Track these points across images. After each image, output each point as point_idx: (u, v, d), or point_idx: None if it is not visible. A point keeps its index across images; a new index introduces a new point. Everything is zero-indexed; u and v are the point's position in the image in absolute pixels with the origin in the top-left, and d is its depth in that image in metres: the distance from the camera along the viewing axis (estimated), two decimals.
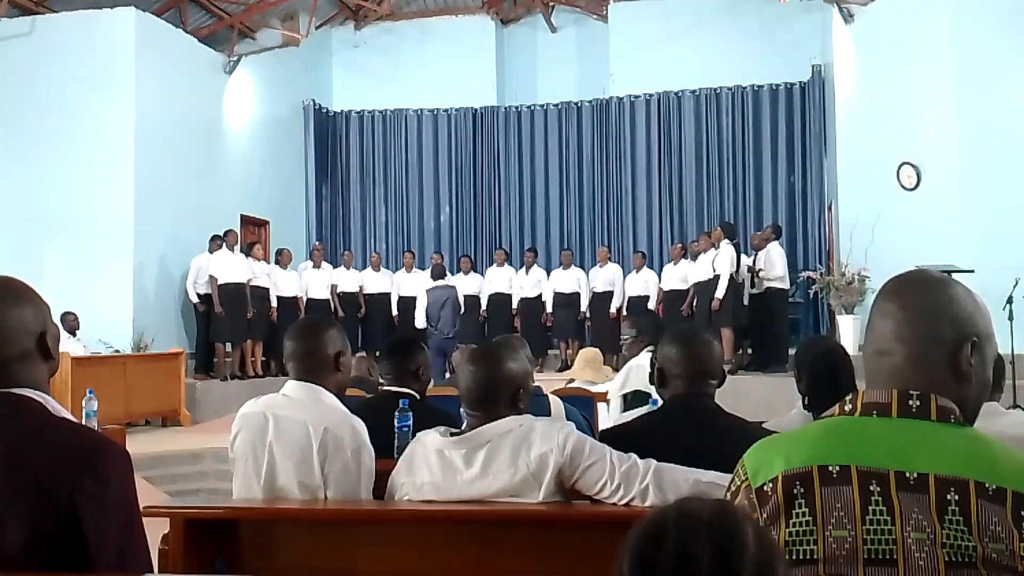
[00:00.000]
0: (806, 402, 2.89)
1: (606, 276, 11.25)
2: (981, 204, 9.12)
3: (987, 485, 1.21)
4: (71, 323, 9.13)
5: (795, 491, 1.26)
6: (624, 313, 11.07)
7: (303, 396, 2.49)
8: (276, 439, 2.43)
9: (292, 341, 2.57)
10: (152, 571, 1.71)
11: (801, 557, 1.24)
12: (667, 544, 0.90)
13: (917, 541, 1.20)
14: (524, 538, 2.14)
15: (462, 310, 10.99)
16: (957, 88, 9.40)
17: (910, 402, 1.29)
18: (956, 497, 1.20)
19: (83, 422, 3.29)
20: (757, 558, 0.90)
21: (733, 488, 1.34)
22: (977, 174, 9.19)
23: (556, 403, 3.71)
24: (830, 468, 1.26)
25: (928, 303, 1.34)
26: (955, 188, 9.36)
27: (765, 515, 1.27)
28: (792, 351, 6.43)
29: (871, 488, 1.23)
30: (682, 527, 0.92)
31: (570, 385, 5.46)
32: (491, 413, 2.24)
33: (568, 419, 3.12)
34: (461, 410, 2.38)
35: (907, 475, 1.23)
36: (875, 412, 1.30)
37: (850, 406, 1.34)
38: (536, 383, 3.37)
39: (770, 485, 1.28)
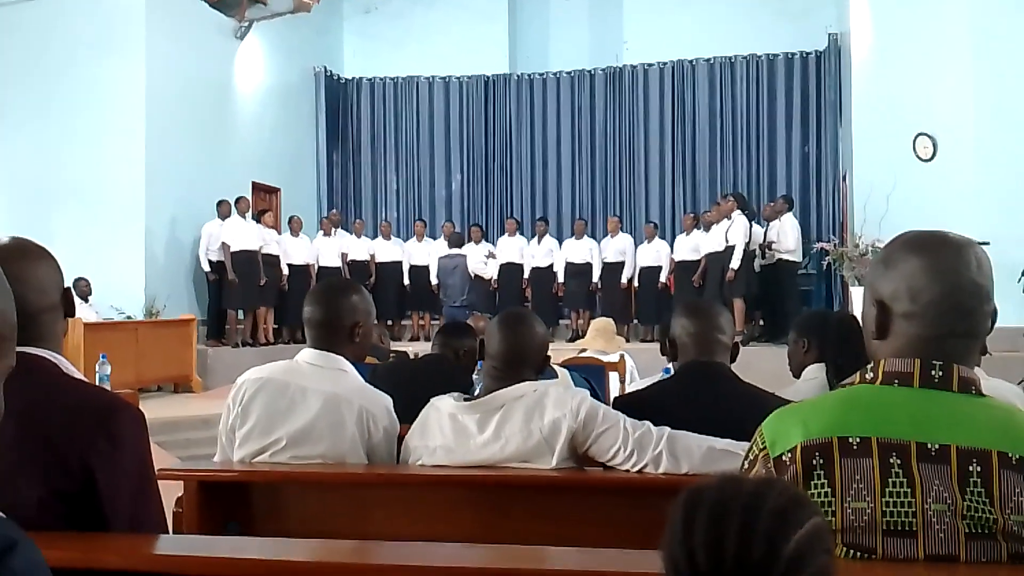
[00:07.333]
0: (829, 373, 2.80)
1: (618, 246, 11.19)
2: (997, 175, 9.02)
3: (1010, 455, 1.19)
4: (83, 289, 9.16)
5: (814, 462, 1.25)
6: (636, 284, 11.05)
7: (324, 365, 2.36)
8: (302, 409, 2.30)
9: (310, 307, 2.42)
10: (167, 532, 1.72)
11: None
12: (704, 506, 0.90)
13: (937, 513, 1.19)
14: (536, 503, 2.14)
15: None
16: (974, 58, 9.27)
17: (932, 372, 1.27)
18: (979, 468, 1.19)
19: None
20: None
21: (751, 457, 1.33)
22: (994, 145, 9.09)
23: (562, 374, 3.67)
24: (850, 440, 1.24)
25: (959, 270, 1.29)
26: (971, 159, 9.26)
27: None
28: None
29: (891, 460, 1.22)
30: (721, 492, 0.92)
31: (582, 355, 5.45)
32: (519, 376, 2.25)
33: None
34: (474, 376, 2.38)
35: (928, 446, 1.22)
36: (897, 381, 1.29)
37: (871, 374, 1.32)
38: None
39: (788, 455, 1.27)
